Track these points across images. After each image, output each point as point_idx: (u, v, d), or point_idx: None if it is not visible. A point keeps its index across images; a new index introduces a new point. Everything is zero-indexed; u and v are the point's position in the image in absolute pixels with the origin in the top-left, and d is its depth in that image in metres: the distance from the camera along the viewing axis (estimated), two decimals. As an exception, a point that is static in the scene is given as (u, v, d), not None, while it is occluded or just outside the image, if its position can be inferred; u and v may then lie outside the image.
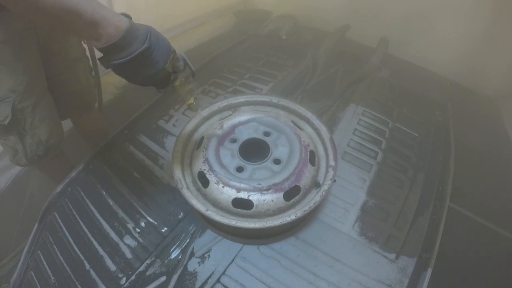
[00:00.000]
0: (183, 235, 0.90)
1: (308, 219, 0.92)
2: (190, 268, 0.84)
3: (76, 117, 1.31)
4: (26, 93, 0.88)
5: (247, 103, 1.07)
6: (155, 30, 0.64)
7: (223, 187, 0.81)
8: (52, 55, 1.01)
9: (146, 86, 0.69)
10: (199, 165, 0.87)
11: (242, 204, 0.81)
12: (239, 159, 0.89)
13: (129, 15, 0.63)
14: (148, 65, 0.63)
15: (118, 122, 1.22)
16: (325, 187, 0.83)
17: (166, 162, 1.08)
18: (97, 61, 1.22)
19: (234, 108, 1.06)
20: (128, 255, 0.88)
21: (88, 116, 1.32)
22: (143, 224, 0.93)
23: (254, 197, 0.80)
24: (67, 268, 0.88)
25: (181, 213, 0.95)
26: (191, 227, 0.92)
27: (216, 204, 0.83)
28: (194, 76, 0.78)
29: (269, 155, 0.90)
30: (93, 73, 1.23)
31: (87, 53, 1.15)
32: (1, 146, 1.00)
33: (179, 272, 0.83)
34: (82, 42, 1.14)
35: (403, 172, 1.07)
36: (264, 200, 0.79)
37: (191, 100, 0.82)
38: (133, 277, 0.84)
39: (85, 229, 0.94)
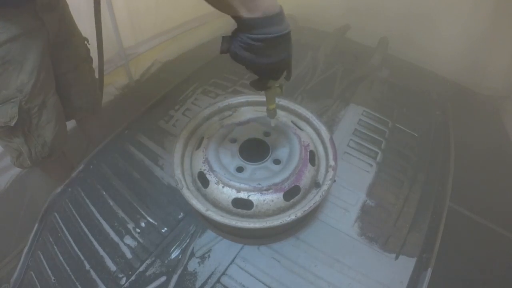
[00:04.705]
0: (183, 235, 0.90)
1: (308, 219, 0.92)
2: (190, 268, 0.84)
3: (81, 118, 1.31)
4: (33, 94, 0.86)
5: (247, 103, 1.06)
6: None
7: (223, 187, 0.81)
8: (60, 54, 1.00)
9: (263, 75, 0.69)
10: (199, 165, 0.87)
11: (242, 204, 0.81)
12: (239, 159, 0.89)
13: None
14: (285, 48, 0.65)
15: (118, 122, 1.22)
16: (325, 187, 0.83)
17: (166, 162, 1.08)
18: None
19: (234, 108, 1.06)
20: (128, 255, 0.88)
21: (92, 116, 1.32)
22: (143, 224, 0.93)
23: (254, 197, 0.80)
24: (67, 268, 0.88)
25: (181, 213, 0.95)
26: (191, 227, 0.92)
27: (216, 204, 0.83)
28: (289, 80, 0.76)
29: (269, 155, 0.90)
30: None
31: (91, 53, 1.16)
32: (3, 148, 0.97)
33: (179, 272, 0.83)
34: (86, 43, 1.13)
35: (403, 172, 1.07)
36: (264, 200, 0.79)
37: (274, 105, 0.81)
38: (133, 277, 0.84)
39: (85, 229, 0.94)
